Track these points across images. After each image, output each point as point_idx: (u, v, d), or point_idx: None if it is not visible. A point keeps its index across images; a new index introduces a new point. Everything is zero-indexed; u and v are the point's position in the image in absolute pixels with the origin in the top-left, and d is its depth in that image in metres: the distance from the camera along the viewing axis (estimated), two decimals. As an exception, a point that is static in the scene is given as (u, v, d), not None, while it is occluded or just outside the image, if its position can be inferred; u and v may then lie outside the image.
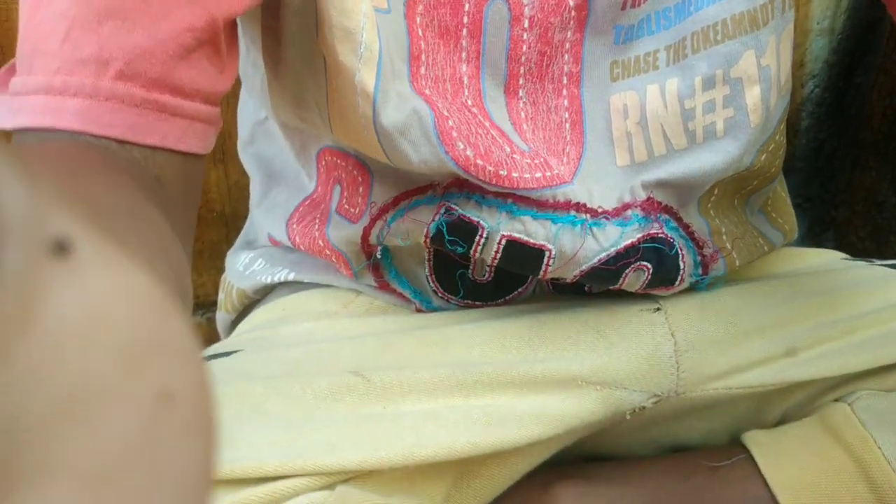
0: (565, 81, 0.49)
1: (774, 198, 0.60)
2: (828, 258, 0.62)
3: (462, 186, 0.49)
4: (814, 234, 0.95)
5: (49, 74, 0.36)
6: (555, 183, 0.48)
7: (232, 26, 0.41)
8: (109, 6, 0.35)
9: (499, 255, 0.49)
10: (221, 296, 0.65)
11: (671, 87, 0.49)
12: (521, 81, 0.49)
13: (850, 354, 0.52)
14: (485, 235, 0.49)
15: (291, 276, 0.58)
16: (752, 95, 0.48)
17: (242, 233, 0.66)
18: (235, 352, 0.50)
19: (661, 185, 0.50)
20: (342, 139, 0.49)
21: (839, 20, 0.86)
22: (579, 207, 0.49)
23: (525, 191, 0.48)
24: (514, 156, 0.48)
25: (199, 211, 0.83)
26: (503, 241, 0.49)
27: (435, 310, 0.56)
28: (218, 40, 0.39)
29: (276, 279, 0.58)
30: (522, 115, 0.49)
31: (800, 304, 0.55)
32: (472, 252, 0.50)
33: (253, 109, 0.60)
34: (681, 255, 0.52)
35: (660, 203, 0.51)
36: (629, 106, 0.50)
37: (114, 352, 0.13)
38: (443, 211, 0.49)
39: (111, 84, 0.36)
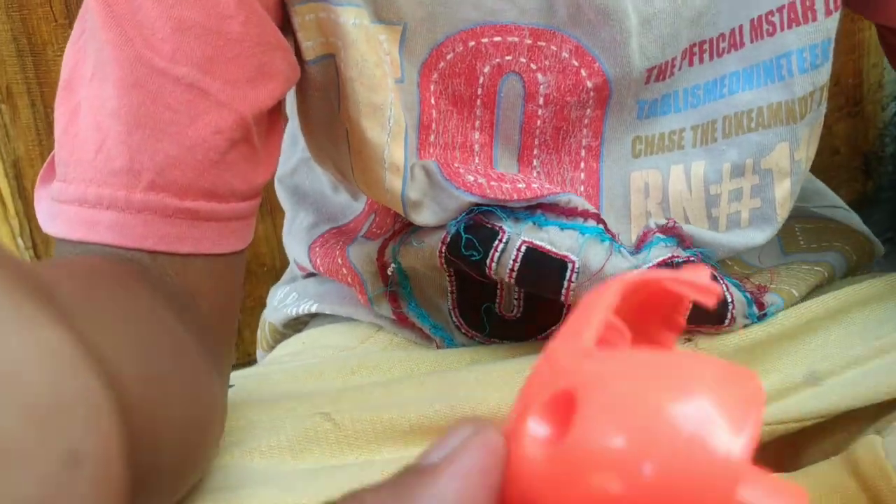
0: (583, 154, 0.48)
1: (804, 234, 0.56)
2: None
3: (490, 202, 0.46)
4: None
5: (84, 185, 0.36)
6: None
7: (268, 116, 0.41)
8: (139, 116, 0.36)
9: (517, 266, 0.45)
10: (259, 333, 0.64)
11: (697, 169, 0.47)
12: (535, 152, 0.48)
13: (884, 375, 0.45)
14: (504, 240, 0.45)
15: (314, 308, 0.56)
16: (782, 189, 0.47)
17: (287, 269, 0.65)
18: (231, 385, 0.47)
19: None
20: (370, 197, 0.49)
21: (918, 36, 0.81)
22: (607, 228, 0.46)
23: (551, 196, 0.45)
24: (531, 178, 0.46)
25: (249, 266, 0.82)
26: (523, 248, 0.45)
27: (457, 347, 0.52)
28: (251, 136, 0.39)
29: (301, 311, 0.57)
30: (535, 185, 0.47)
31: (829, 327, 0.48)
32: (488, 262, 0.46)
33: (299, 145, 0.59)
34: (724, 285, 0.47)
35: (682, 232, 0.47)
36: (651, 185, 0.48)
37: (23, 412, 0.13)
38: (464, 216, 0.46)
39: (143, 195, 0.36)
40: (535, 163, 0.48)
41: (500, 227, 0.45)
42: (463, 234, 0.46)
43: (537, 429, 0.19)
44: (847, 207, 0.59)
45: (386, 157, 0.43)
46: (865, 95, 0.83)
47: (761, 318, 0.48)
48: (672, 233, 0.47)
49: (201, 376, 0.34)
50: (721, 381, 0.18)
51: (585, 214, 0.46)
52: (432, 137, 0.46)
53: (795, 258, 0.54)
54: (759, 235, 0.47)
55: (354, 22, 0.41)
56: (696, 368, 0.19)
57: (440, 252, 0.47)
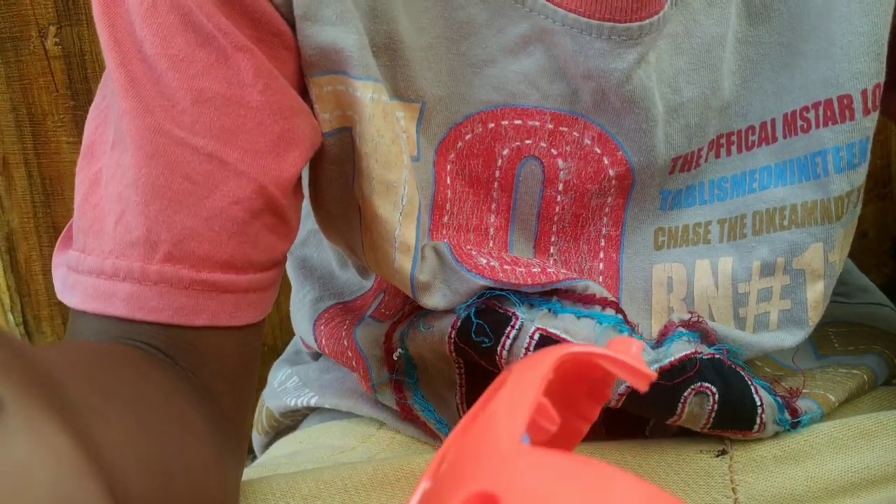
0: (602, 244, 0.47)
1: (839, 338, 0.54)
2: None
3: (504, 287, 0.45)
4: None
5: (101, 256, 0.36)
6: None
7: (295, 188, 0.40)
8: (157, 188, 0.36)
9: (528, 354, 0.44)
10: (255, 414, 0.62)
11: (725, 266, 0.46)
12: (552, 239, 0.47)
13: None
14: (517, 326, 0.43)
15: (314, 401, 0.54)
16: (815, 291, 0.45)
17: (292, 342, 0.64)
18: None
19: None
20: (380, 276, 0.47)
21: (949, 117, 0.79)
22: (626, 319, 0.44)
23: (567, 282, 0.43)
24: (549, 268, 0.44)
25: (250, 345, 0.79)
26: (536, 335, 0.43)
27: None
28: (277, 207, 0.38)
29: (300, 402, 0.55)
30: (551, 270, 0.46)
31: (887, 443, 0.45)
32: (499, 350, 0.44)
33: (311, 216, 0.58)
34: (753, 387, 0.44)
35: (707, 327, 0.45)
36: (675, 280, 0.46)
37: None
38: (475, 299, 0.44)
39: (159, 267, 0.36)
40: (552, 250, 0.47)
41: (514, 313, 0.44)
42: (474, 318, 0.44)
43: None
44: (892, 305, 0.57)
45: (397, 237, 0.42)
46: (894, 177, 0.81)
47: (794, 425, 0.46)
48: (696, 328, 0.45)
49: (212, 469, 0.33)
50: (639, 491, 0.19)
51: (604, 303, 0.44)
52: (446, 218, 0.45)
53: (830, 361, 0.52)
54: (788, 338, 0.46)
55: (372, 97, 0.40)
56: (622, 491, 0.19)
57: (450, 337, 0.45)
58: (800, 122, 0.44)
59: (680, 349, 0.44)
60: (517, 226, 0.46)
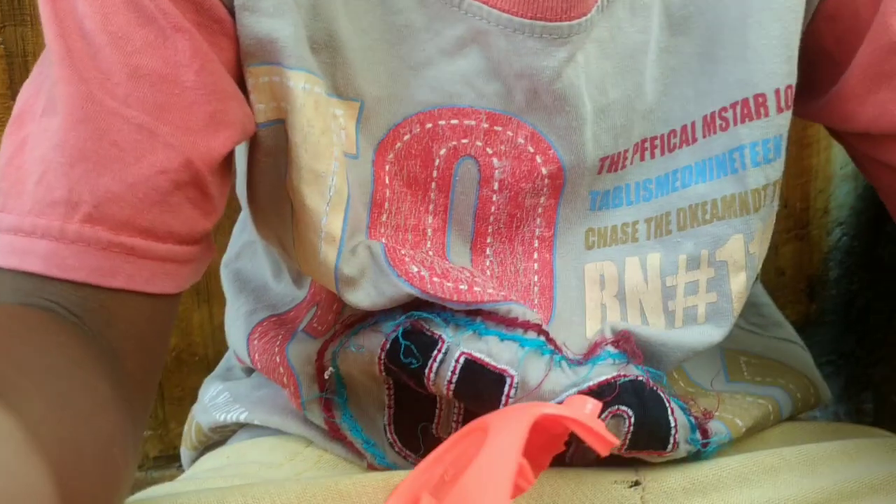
0: (536, 245, 0.48)
1: (749, 367, 0.55)
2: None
3: (433, 305, 0.45)
4: (850, 394, 0.89)
5: (21, 215, 0.36)
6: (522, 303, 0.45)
7: (222, 168, 0.40)
8: (84, 151, 0.36)
9: (455, 378, 0.44)
10: (185, 428, 0.61)
11: (653, 261, 0.47)
12: (488, 240, 0.48)
13: None
14: (444, 350, 0.44)
15: (244, 417, 0.54)
16: (738, 282, 0.46)
17: (224, 358, 0.64)
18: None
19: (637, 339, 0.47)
20: (308, 275, 0.48)
21: (864, 166, 0.83)
22: (549, 340, 0.45)
23: (492, 304, 0.44)
24: (476, 277, 0.45)
25: (181, 354, 0.78)
26: (462, 359, 0.44)
27: (389, 467, 0.49)
28: (202, 183, 0.39)
29: (230, 418, 0.55)
30: (488, 273, 0.47)
31: (823, 485, 0.45)
32: (426, 373, 0.44)
33: (247, 229, 0.59)
34: (670, 409, 0.46)
35: (635, 345, 0.47)
36: (607, 277, 0.48)
37: None
38: (404, 319, 0.45)
39: (78, 227, 0.36)
40: (488, 251, 0.48)
41: (440, 336, 0.44)
42: (402, 340, 0.44)
43: None
44: (802, 344, 0.59)
45: (323, 227, 0.43)
46: (812, 220, 0.85)
47: (704, 446, 0.47)
48: (624, 346, 0.46)
49: (117, 437, 0.33)
50: None
51: (526, 325, 0.45)
52: (384, 217, 0.46)
53: (739, 387, 0.53)
54: (715, 332, 0.47)
55: (304, 87, 0.41)
56: None
57: (379, 358, 0.45)
58: (718, 122, 0.46)
59: (601, 372, 0.45)
60: (454, 227, 0.47)
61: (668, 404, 0.46)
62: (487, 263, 0.48)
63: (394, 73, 0.44)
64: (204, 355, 0.79)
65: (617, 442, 0.27)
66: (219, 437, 0.57)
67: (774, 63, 0.44)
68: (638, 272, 0.48)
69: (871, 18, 0.43)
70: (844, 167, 0.83)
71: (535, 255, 0.48)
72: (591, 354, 0.46)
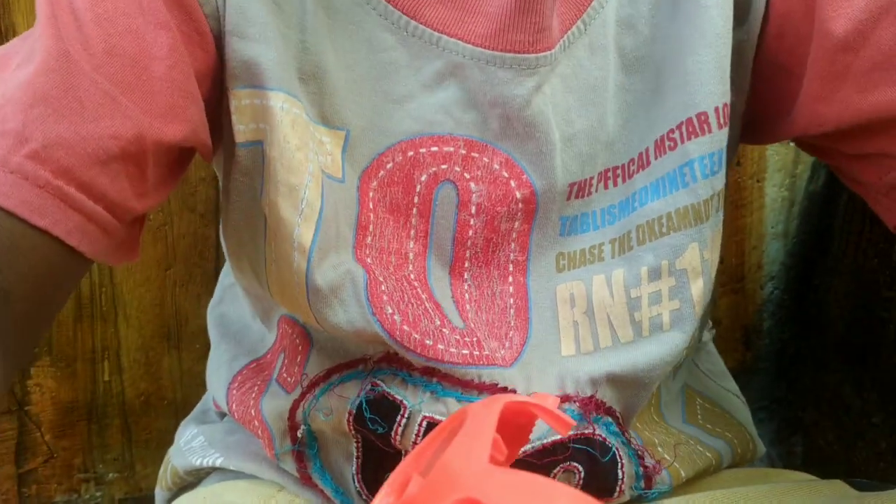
0: (511, 269, 0.50)
1: (705, 413, 0.59)
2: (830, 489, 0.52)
3: (391, 362, 0.48)
4: (782, 437, 0.93)
5: None
6: (482, 363, 0.48)
7: (166, 156, 0.43)
8: (47, 96, 0.38)
9: (420, 439, 0.47)
10: (161, 470, 0.62)
11: (617, 276, 0.49)
12: (466, 265, 0.50)
13: None
14: (406, 415, 0.47)
15: (219, 462, 0.56)
16: (697, 287, 0.49)
17: (201, 401, 0.65)
18: None
19: (612, 380, 0.49)
20: (278, 300, 0.49)
21: (792, 224, 0.89)
22: (507, 393, 0.48)
23: (450, 366, 0.47)
24: (444, 330, 0.47)
25: (150, 398, 0.80)
26: (424, 423, 0.47)
27: None
28: (144, 162, 0.41)
29: (205, 462, 0.56)
30: (466, 296, 0.49)
31: None
32: (392, 434, 0.48)
33: (229, 273, 0.61)
34: (620, 464, 0.49)
35: (603, 404, 0.49)
36: (576, 295, 0.50)
37: None
38: (367, 387, 0.48)
39: (22, 160, 0.37)
40: (466, 275, 0.50)
41: (402, 402, 0.47)
42: (366, 411, 0.47)
43: None
44: (743, 399, 0.62)
45: (295, 237, 0.45)
46: (746, 274, 0.90)
47: (645, 494, 0.51)
48: (587, 408, 0.49)
49: None
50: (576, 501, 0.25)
51: (481, 388, 0.48)
52: (369, 239, 0.48)
53: (692, 431, 0.57)
54: (680, 337, 0.49)
55: (283, 106, 0.44)
56: (560, 493, 0.26)
57: (348, 422, 0.48)
58: (668, 143, 0.48)
59: (552, 435, 0.48)
60: (434, 251, 0.49)
61: (619, 458, 0.49)
62: (465, 287, 0.50)
63: (378, 106, 0.47)
64: (172, 399, 0.81)
65: (572, 423, 0.31)
66: (193, 479, 0.59)
67: (711, 84, 0.47)
68: (604, 288, 0.49)
69: (811, 28, 0.45)
70: (775, 226, 0.89)
71: (510, 279, 0.50)
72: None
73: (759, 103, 0.51)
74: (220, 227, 0.53)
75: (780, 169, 0.87)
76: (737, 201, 0.87)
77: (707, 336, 0.64)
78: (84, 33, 0.39)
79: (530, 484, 0.26)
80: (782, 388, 0.93)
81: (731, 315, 0.91)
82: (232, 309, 0.60)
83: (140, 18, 0.40)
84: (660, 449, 0.53)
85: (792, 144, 0.87)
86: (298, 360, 0.51)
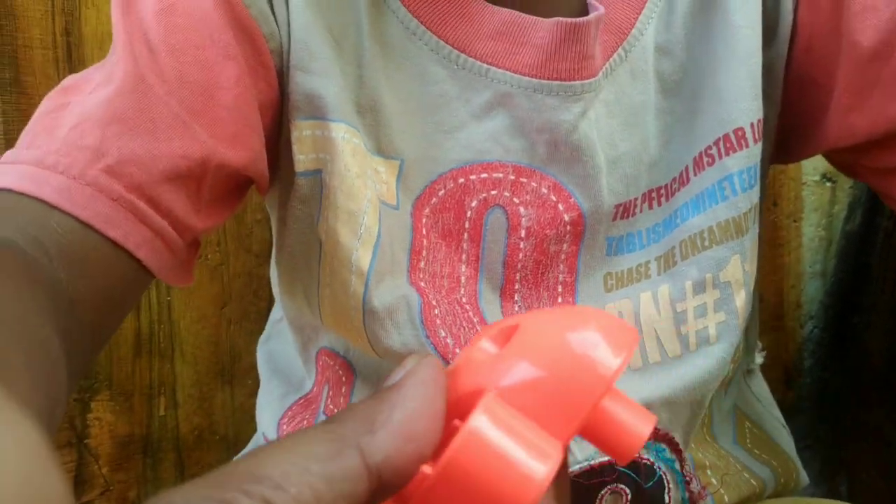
0: (560, 290, 0.51)
1: (753, 437, 0.59)
2: None
3: None
4: (826, 476, 0.93)
5: (46, 152, 0.39)
6: None
7: (225, 181, 0.45)
8: (124, 115, 0.40)
9: None
10: None
11: (663, 292, 0.50)
12: (516, 286, 0.51)
13: None
14: None
15: None
16: (740, 298, 0.50)
17: (251, 440, 0.66)
18: None
19: (666, 403, 0.50)
20: (330, 324, 0.51)
21: (830, 263, 0.90)
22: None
23: None
24: None
25: (203, 433, 0.82)
26: None
27: None
28: (202, 182, 0.43)
29: None
30: None
31: None
32: None
33: (277, 308, 0.63)
34: (667, 489, 0.50)
35: (657, 430, 0.50)
36: (624, 313, 0.51)
37: None
38: None
39: (97, 174, 0.39)
40: (516, 297, 0.51)
41: None
42: None
43: (488, 346, 0.25)
44: (788, 430, 0.63)
45: (353, 261, 0.47)
46: (786, 313, 0.91)
47: None
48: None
49: (62, 398, 0.32)
50: (608, 326, 0.24)
51: None
52: (422, 264, 0.49)
53: (740, 454, 0.57)
54: (726, 350, 0.50)
55: (344, 136, 0.46)
56: (591, 315, 0.25)
57: None
58: (706, 159, 0.50)
59: (597, 456, 0.48)
60: (485, 274, 0.50)
61: (666, 483, 0.50)
62: (516, 309, 0.51)
63: (430, 137, 0.49)
64: (224, 434, 0.83)
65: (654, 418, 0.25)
66: None
67: (746, 101, 0.48)
68: (651, 304, 0.50)
69: (839, 41, 0.47)
70: (813, 266, 0.90)
71: (560, 300, 0.51)
72: None
73: (791, 118, 0.52)
74: (273, 258, 0.54)
75: (817, 209, 0.89)
76: (774, 241, 0.88)
77: (759, 359, 0.64)
78: (158, 62, 0.42)
79: (567, 314, 0.25)
80: (825, 426, 0.93)
81: (772, 354, 0.91)
82: (279, 345, 0.62)
83: (210, 50, 0.43)
84: (709, 472, 0.54)
85: (828, 185, 0.88)
86: (343, 391, 0.53)
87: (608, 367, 0.23)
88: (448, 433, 0.21)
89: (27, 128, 0.42)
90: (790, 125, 0.53)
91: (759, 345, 0.65)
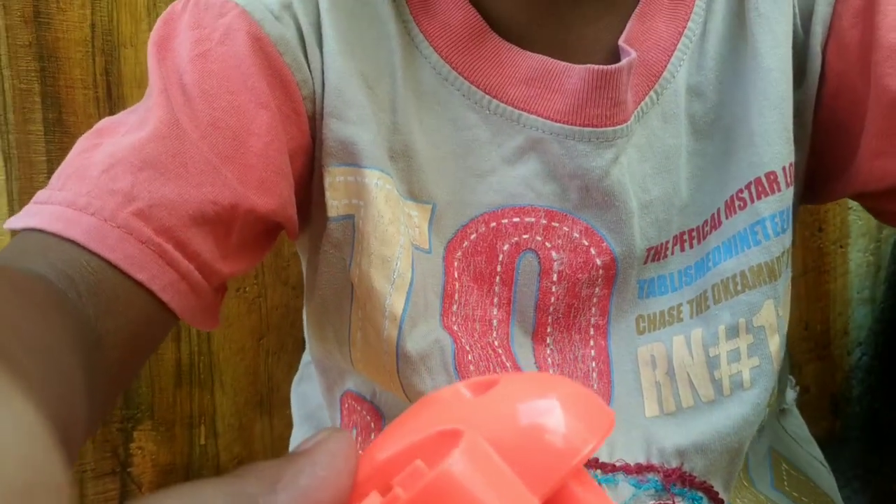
0: (592, 333, 0.51)
1: (790, 479, 0.58)
2: None
3: None
4: None
5: (77, 194, 0.40)
6: None
7: (254, 226, 0.45)
8: (156, 160, 0.41)
9: None
10: None
11: (696, 336, 0.50)
12: (548, 329, 0.51)
13: None
14: None
15: None
16: (774, 343, 0.49)
17: None
18: None
19: (700, 449, 0.49)
20: (361, 368, 0.51)
21: (879, 290, 0.88)
22: (589, 463, 0.48)
23: None
24: None
25: (242, 462, 0.83)
26: None
27: None
28: (231, 227, 0.44)
29: None
30: (549, 360, 0.50)
31: None
32: None
33: (307, 351, 0.63)
34: None
35: (692, 478, 0.49)
36: (657, 357, 0.51)
37: (6, 491, 0.14)
38: None
39: (128, 217, 0.40)
40: (548, 340, 0.51)
41: None
42: None
43: (464, 391, 0.24)
44: (828, 467, 0.62)
45: (387, 307, 0.47)
46: (832, 340, 0.89)
47: None
48: (669, 479, 0.49)
49: (80, 427, 0.32)
50: (587, 403, 0.23)
51: None
52: (455, 308, 0.49)
53: (780, 499, 0.56)
54: (761, 396, 0.49)
55: (377, 183, 0.47)
56: (569, 388, 0.24)
57: None
58: (737, 203, 0.49)
59: (640, 501, 0.48)
60: (517, 318, 0.50)
61: None
62: (548, 352, 0.51)
63: (462, 181, 0.49)
64: (263, 463, 0.84)
65: None
66: None
67: (778, 145, 0.48)
68: (684, 348, 0.50)
69: (868, 85, 0.46)
70: (861, 292, 0.88)
71: (592, 343, 0.51)
72: (639, 472, 0.49)
73: (819, 161, 0.51)
74: (304, 300, 0.55)
75: (865, 234, 0.87)
76: (820, 267, 0.86)
77: (791, 396, 0.64)
78: (192, 106, 0.43)
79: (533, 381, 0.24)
80: (875, 458, 0.91)
81: (819, 382, 0.90)
82: (309, 389, 0.62)
83: (243, 96, 0.44)
84: None
85: (876, 209, 0.86)
86: (372, 437, 0.53)
87: (578, 448, 0.22)
88: None
89: (60, 169, 0.43)
90: (818, 169, 0.52)
91: (792, 380, 0.64)
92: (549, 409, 0.22)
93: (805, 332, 0.87)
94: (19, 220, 0.41)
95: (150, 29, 0.72)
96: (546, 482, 0.21)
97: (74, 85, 0.72)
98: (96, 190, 0.40)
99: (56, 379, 0.28)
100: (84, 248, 0.39)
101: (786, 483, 0.57)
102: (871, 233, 0.87)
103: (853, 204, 0.86)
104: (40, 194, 0.41)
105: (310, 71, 0.46)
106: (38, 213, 0.40)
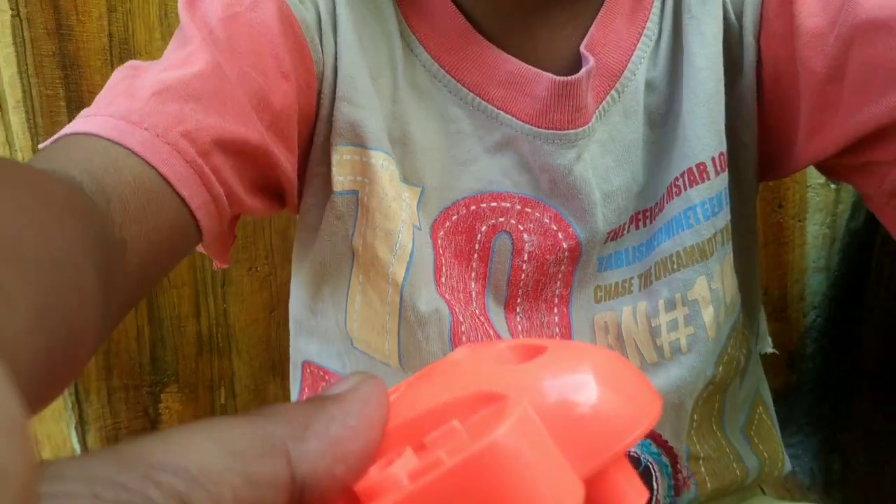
0: (556, 302, 0.55)
1: (759, 424, 0.63)
2: None
3: None
4: (823, 454, 0.99)
5: (130, 110, 0.42)
6: None
7: (269, 172, 0.48)
8: (199, 94, 0.44)
9: None
10: None
11: (641, 308, 0.55)
12: (518, 301, 0.55)
13: None
14: None
15: None
16: (707, 314, 0.54)
17: None
18: None
19: None
20: (358, 331, 0.55)
21: (834, 259, 0.95)
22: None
23: None
24: None
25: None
26: None
27: None
28: (256, 166, 0.47)
29: None
30: (519, 327, 0.55)
31: None
32: None
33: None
34: (654, 476, 0.56)
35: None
36: (609, 323, 0.55)
37: None
38: None
39: (177, 136, 0.42)
40: (518, 309, 0.55)
41: None
42: None
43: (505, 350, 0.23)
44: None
45: (390, 275, 0.51)
46: (790, 304, 0.96)
47: (674, 502, 0.57)
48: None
49: (88, 332, 0.30)
50: (639, 387, 0.22)
51: None
52: (443, 279, 0.54)
53: (741, 444, 0.61)
54: (696, 360, 0.54)
55: (382, 164, 0.51)
56: (626, 369, 0.22)
57: None
58: (674, 189, 0.53)
59: None
60: (492, 290, 0.54)
61: (652, 471, 0.56)
62: (518, 319, 0.55)
63: (448, 168, 0.53)
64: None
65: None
66: None
67: (707, 138, 0.51)
68: (631, 318, 0.54)
69: (797, 69, 0.49)
70: (817, 261, 0.95)
71: (556, 311, 0.55)
72: None
73: (769, 142, 0.55)
74: (298, 260, 0.59)
75: (822, 209, 0.93)
76: (780, 239, 0.93)
77: (768, 349, 0.67)
78: (223, 60, 0.46)
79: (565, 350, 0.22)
80: (825, 408, 0.98)
81: (776, 341, 0.94)
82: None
83: (269, 62, 0.47)
84: (700, 463, 0.58)
85: (833, 186, 0.93)
86: None
87: (627, 433, 0.20)
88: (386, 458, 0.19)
89: (101, 94, 0.44)
90: (770, 148, 0.55)
91: (770, 340, 0.69)
92: (600, 387, 0.21)
93: (765, 297, 0.94)
94: (75, 127, 0.41)
95: (162, 37, 0.78)
96: (589, 464, 0.20)
97: (96, 90, 0.77)
98: (147, 108, 0.42)
99: (55, 286, 0.26)
100: (138, 156, 0.40)
101: (754, 427, 0.62)
102: (827, 208, 0.93)
103: (812, 182, 0.93)
104: (87, 110, 0.43)
105: (323, 55, 0.50)
106: (89, 122, 0.41)
